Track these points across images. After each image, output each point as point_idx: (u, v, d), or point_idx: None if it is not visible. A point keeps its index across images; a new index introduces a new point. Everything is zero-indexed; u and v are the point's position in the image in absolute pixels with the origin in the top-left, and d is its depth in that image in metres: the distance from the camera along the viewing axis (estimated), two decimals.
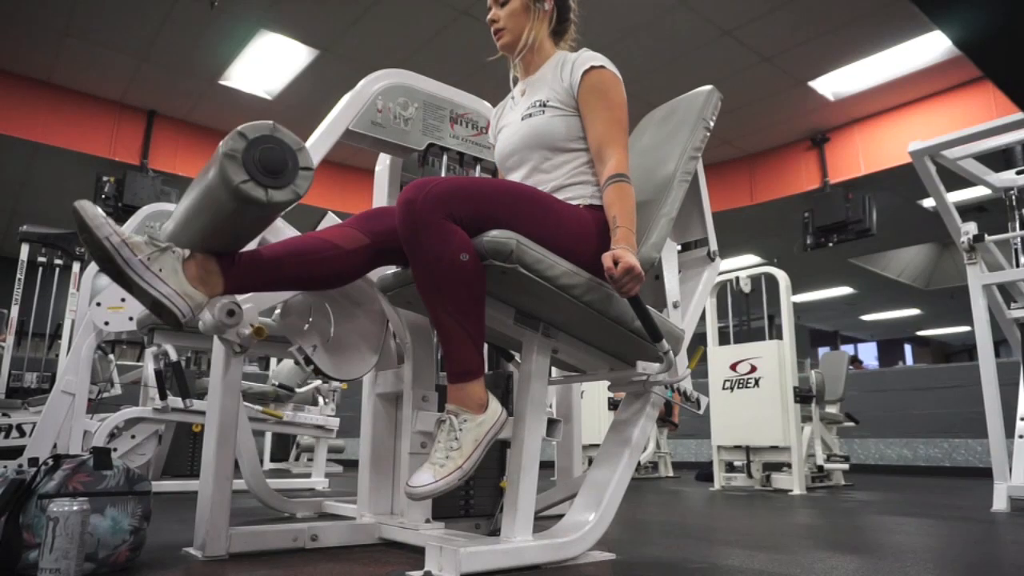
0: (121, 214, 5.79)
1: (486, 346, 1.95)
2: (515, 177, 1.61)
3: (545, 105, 1.54)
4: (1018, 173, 3.17)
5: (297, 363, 1.68)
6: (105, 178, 6.02)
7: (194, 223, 1.26)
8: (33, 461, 1.35)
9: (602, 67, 1.53)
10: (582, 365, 1.65)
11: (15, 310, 4.24)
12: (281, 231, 1.64)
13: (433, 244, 1.26)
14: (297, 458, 5.90)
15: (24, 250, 4.33)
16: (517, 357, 1.77)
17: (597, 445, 1.86)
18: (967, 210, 4.97)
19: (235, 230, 1.28)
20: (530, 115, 1.56)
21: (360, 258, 1.41)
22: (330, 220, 1.81)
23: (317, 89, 6.01)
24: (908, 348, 18.86)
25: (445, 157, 1.97)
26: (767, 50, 5.43)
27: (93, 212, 1.19)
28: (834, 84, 5.96)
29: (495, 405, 1.36)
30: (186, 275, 1.24)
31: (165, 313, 1.23)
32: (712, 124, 1.75)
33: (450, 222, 1.27)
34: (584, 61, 1.53)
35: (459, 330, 1.30)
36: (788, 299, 3.99)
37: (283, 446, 6.12)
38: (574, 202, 1.51)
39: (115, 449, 3.17)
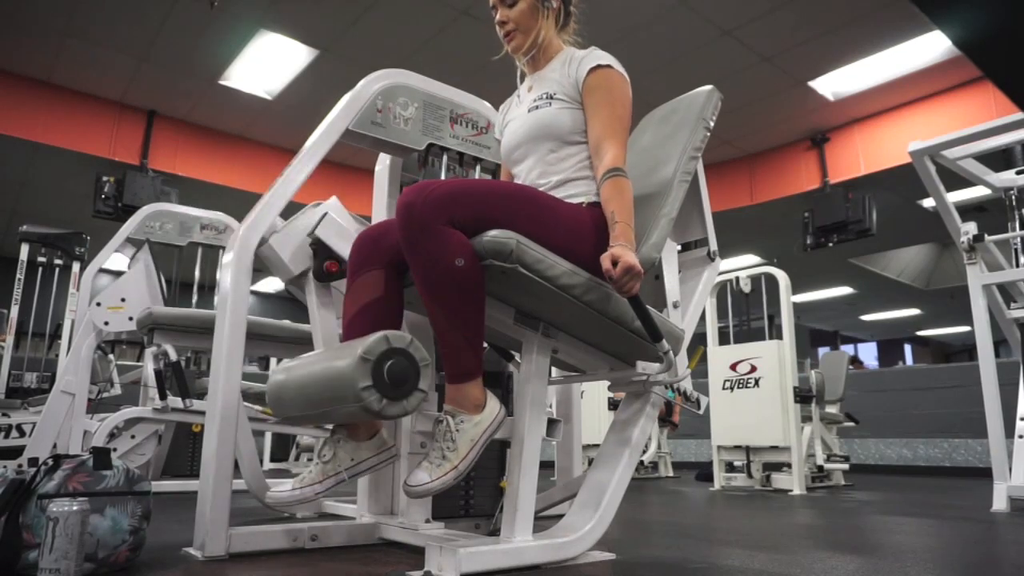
0: (121, 214, 5.79)
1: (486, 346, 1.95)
2: (521, 169, 1.62)
3: (552, 98, 1.55)
4: (1018, 173, 3.17)
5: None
6: (105, 178, 6.02)
7: (311, 408, 1.32)
8: (33, 461, 1.35)
9: (609, 66, 1.54)
10: (582, 365, 1.65)
11: (15, 310, 4.25)
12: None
13: (432, 248, 1.26)
14: (297, 458, 5.89)
15: (24, 250, 4.33)
16: (517, 357, 1.77)
17: (597, 445, 1.86)
18: (967, 210, 4.97)
19: (339, 417, 1.35)
20: (536, 107, 1.56)
21: (392, 287, 1.44)
22: (330, 219, 1.81)
23: (317, 89, 6.01)
24: (908, 348, 18.86)
25: (445, 157, 1.96)
26: (767, 50, 5.43)
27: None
28: (834, 84, 5.96)
29: (492, 404, 1.36)
30: (358, 442, 1.37)
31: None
32: (712, 124, 1.75)
33: (449, 226, 1.27)
34: (593, 59, 1.54)
35: (456, 333, 1.30)
36: (788, 299, 3.99)
37: (283, 446, 6.11)
38: (577, 199, 1.51)
39: (115, 449, 3.17)
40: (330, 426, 1.41)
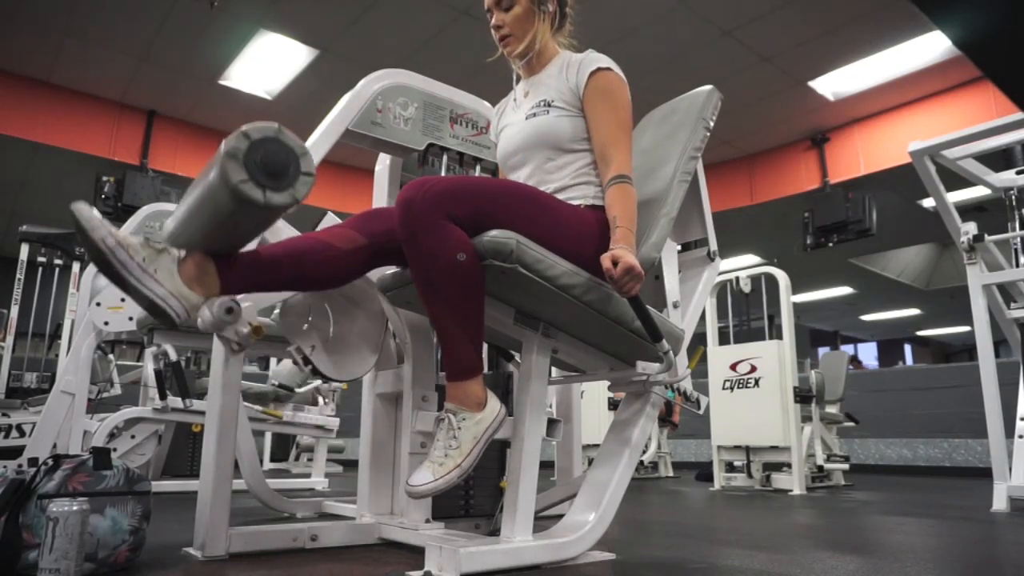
0: (121, 214, 5.79)
1: (486, 346, 1.95)
2: (518, 176, 1.61)
3: (550, 105, 1.54)
4: (1018, 173, 3.17)
5: (295, 363, 1.67)
6: (105, 178, 6.02)
7: (192, 223, 1.26)
8: (33, 461, 1.35)
9: (608, 69, 1.53)
10: (582, 365, 1.65)
11: (15, 310, 4.24)
12: (281, 231, 1.64)
13: (431, 244, 1.26)
14: (297, 458, 5.90)
15: (24, 250, 4.33)
16: (517, 357, 1.77)
17: (597, 445, 1.86)
18: (967, 210, 4.97)
19: (233, 231, 1.28)
20: (534, 115, 1.55)
21: (358, 258, 1.41)
22: (330, 220, 1.81)
23: (317, 89, 6.01)
24: (908, 348, 18.86)
25: (445, 157, 1.97)
26: (767, 50, 5.43)
27: (89, 214, 1.19)
28: (834, 84, 5.96)
29: (494, 403, 1.36)
30: (182, 276, 1.24)
31: (160, 314, 1.22)
32: (712, 124, 1.75)
33: (449, 222, 1.27)
34: (591, 63, 1.53)
35: (457, 330, 1.30)
36: (788, 299, 3.99)
37: (283, 446, 6.12)
38: (576, 202, 1.51)
39: (115, 449, 3.17)
40: (239, 247, 1.34)
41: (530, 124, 1.56)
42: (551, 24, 1.62)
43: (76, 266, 4.36)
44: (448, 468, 1.27)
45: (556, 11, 1.62)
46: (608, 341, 1.55)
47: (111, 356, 4.12)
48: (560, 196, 1.52)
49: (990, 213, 5.71)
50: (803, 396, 3.89)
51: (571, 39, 1.68)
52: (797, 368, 3.97)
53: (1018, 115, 2.63)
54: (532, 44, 1.59)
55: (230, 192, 1.13)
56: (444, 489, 1.27)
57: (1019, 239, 2.99)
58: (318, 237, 1.40)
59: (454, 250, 1.26)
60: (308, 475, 4.38)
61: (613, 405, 4.85)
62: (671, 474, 5.33)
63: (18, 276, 4.29)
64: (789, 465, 3.78)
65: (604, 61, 1.54)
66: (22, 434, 3.58)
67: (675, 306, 1.72)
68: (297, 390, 4.21)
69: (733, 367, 4.07)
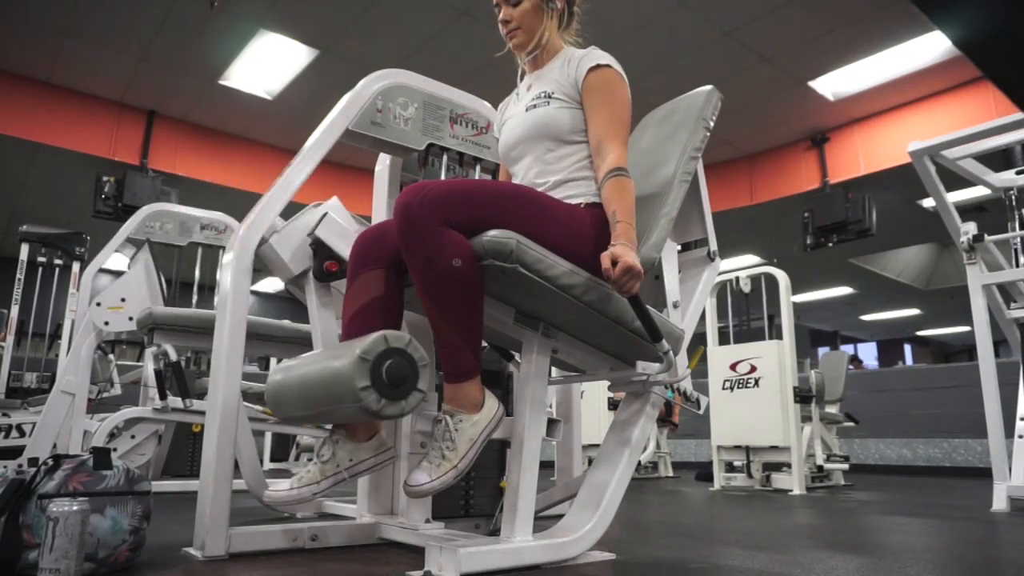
0: (121, 214, 5.79)
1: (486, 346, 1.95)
2: (519, 168, 1.61)
3: (550, 97, 1.55)
4: (1018, 173, 3.17)
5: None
6: (105, 178, 6.02)
7: (305, 406, 1.33)
8: (33, 461, 1.35)
9: (608, 66, 1.54)
10: (582, 365, 1.65)
11: (15, 310, 4.25)
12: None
13: (428, 249, 1.26)
14: (297, 458, 5.89)
15: (24, 250, 4.33)
16: (517, 357, 1.77)
17: (597, 445, 1.86)
18: (967, 210, 4.97)
19: (339, 417, 1.35)
20: (535, 106, 1.56)
21: (393, 288, 1.43)
22: (329, 220, 1.81)
23: (317, 89, 6.01)
24: (908, 348, 18.86)
25: (445, 157, 1.96)
26: (767, 50, 5.43)
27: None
28: (834, 84, 5.96)
29: (491, 404, 1.36)
30: (355, 443, 1.37)
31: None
32: (712, 124, 1.75)
33: (446, 227, 1.27)
34: (592, 58, 1.54)
35: (455, 333, 1.30)
36: (788, 299, 3.99)
37: (283, 446, 6.11)
38: (576, 199, 1.51)
39: (115, 449, 3.17)
40: (329, 426, 1.41)
41: (530, 115, 1.56)
42: (559, 21, 1.63)
43: (76, 266, 4.36)
44: (444, 469, 1.28)
45: (564, 8, 1.63)
46: (608, 341, 1.55)
47: (111, 356, 4.12)
48: (560, 189, 1.53)
49: (990, 213, 5.71)
50: (803, 396, 3.89)
51: (577, 37, 1.68)
52: (797, 368, 3.97)
53: (1018, 115, 2.63)
54: (539, 40, 1.60)
55: (352, 396, 1.19)
56: (440, 490, 1.28)
57: (1019, 239, 2.99)
58: (359, 300, 1.41)
59: (452, 255, 1.26)
60: None
61: (613, 405, 4.85)
62: (671, 474, 5.33)
63: (18, 276, 4.29)
64: (789, 465, 3.78)
65: (605, 58, 1.55)
66: (22, 434, 3.58)
67: (675, 306, 1.72)
68: None
69: (733, 367, 4.07)
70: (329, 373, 1.24)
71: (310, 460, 5.65)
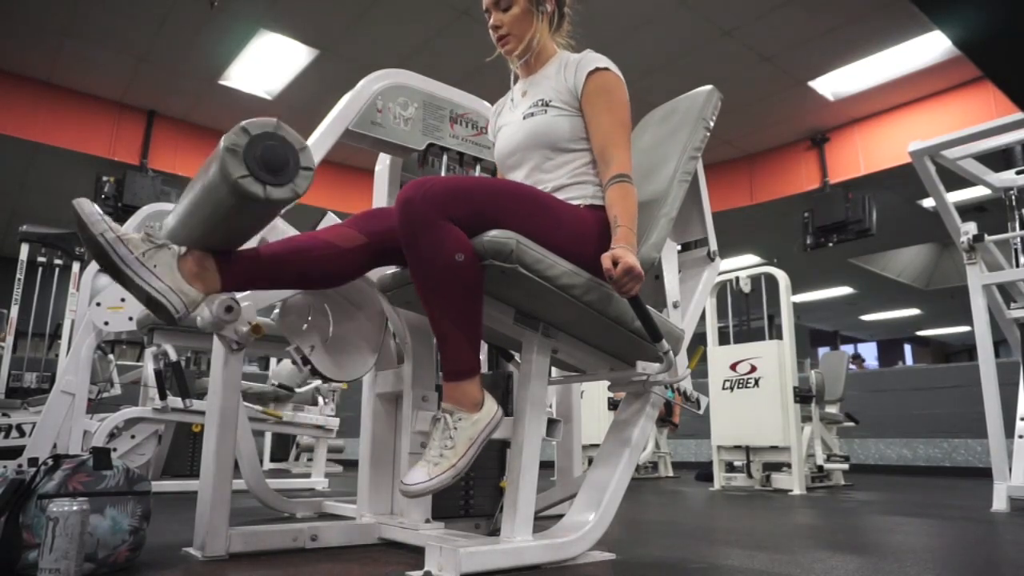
0: (121, 214, 5.79)
1: (486, 346, 1.95)
2: (516, 176, 1.61)
3: (548, 104, 1.54)
4: (1018, 173, 3.17)
5: (295, 363, 1.67)
6: (105, 178, 6.02)
7: (193, 219, 1.26)
8: (33, 461, 1.35)
9: (607, 69, 1.53)
10: (582, 365, 1.65)
11: (15, 310, 4.24)
12: (281, 231, 1.64)
13: (429, 244, 1.26)
14: (297, 458, 5.90)
15: (24, 250, 4.33)
16: (517, 357, 1.77)
17: (597, 445, 1.86)
18: (967, 210, 4.97)
19: (233, 227, 1.28)
20: (532, 114, 1.55)
21: (358, 257, 1.42)
22: (330, 220, 1.81)
23: (317, 89, 6.01)
24: (908, 348, 18.86)
25: (445, 157, 1.96)
26: (767, 50, 5.43)
27: (90, 209, 1.19)
28: (834, 84, 5.96)
29: (490, 404, 1.36)
30: (182, 272, 1.25)
31: (160, 309, 1.23)
32: (712, 124, 1.75)
33: (448, 222, 1.27)
34: (589, 63, 1.53)
35: (455, 330, 1.30)
36: (788, 299, 3.99)
37: (283, 446, 6.12)
38: (574, 202, 1.51)
39: (115, 449, 3.17)
40: (242, 244, 1.34)
41: (528, 124, 1.56)
42: (549, 24, 1.62)
43: (76, 266, 4.36)
44: (443, 468, 1.27)
45: (555, 11, 1.62)
46: (608, 341, 1.55)
47: (111, 356, 4.12)
48: (558, 195, 1.52)
49: (990, 213, 5.71)
50: (803, 396, 3.89)
51: (569, 39, 1.68)
52: (797, 368, 3.97)
53: (1018, 115, 2.63)
54: (530, 44, 1.59)
55: (230, 188, 1.13)
56: (438, 489, 1.27)
57: (1019, 239, 2.99)
58: (319, 236, 1.40)
59: (453, 250, 1.26)
60: (308, 475, 4.38)
61: (613, 405, 4.85)
62: (671, 474, 5.33)
63: (18, 276, 4.29)
64: (789, 465, 3.78)
65: (602, 61, 1.54)
66: (22, 434, 3.57)
67: (675, 306, 1.72)
68: (297, 390, 4.21)
69: (733, 367, 4.07)
70: (209, 181, 1.18)
71: (310, 460, 5.55)
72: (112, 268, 1.21)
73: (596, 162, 1.53)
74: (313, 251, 1.37)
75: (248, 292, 1.50)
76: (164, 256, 1.24)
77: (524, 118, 1.57)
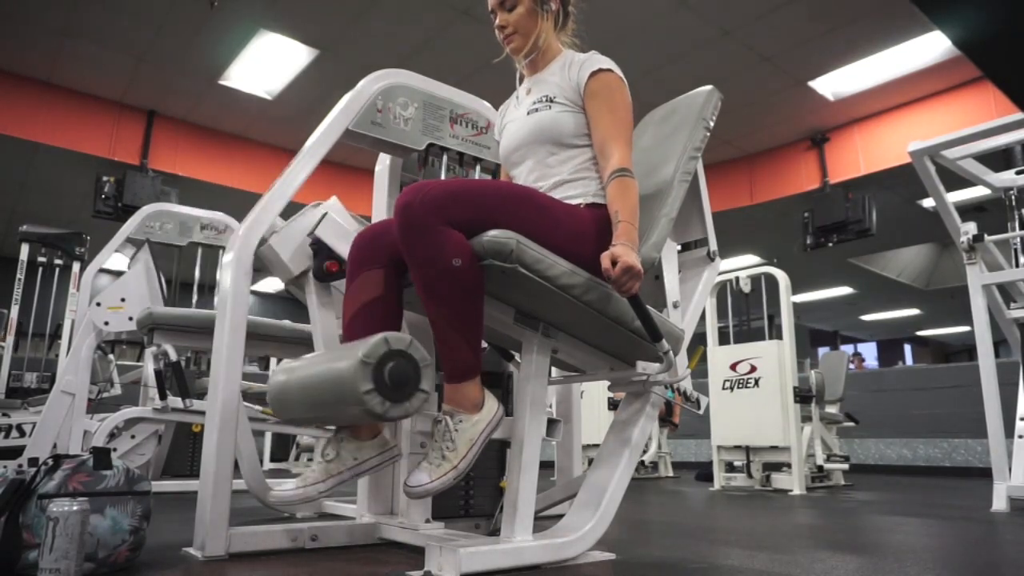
0: (121, 214, 5.79)
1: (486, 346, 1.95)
2: (519, 172, 1.62)
3: (552, 101, 1.55)
4: (1018, 173, 3.17)
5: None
6: (105, 178, 6.03)
7: (312, 409, 1.33)
8: (33, 461, 1.35)
9: (610, 70, 1.54)
10: (582, 365, 1.65)
11: (15, 310, 4.24)
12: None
13: (428, 248, 1.26)
14: (297, 458, 5.89)
15: (24, 250, 4.33)
16: (517, 357, 1.77)
17: (597, 445, 1.86)
18: (967, 210, 4.97)
19: (341, 419, 1.36)
20: (536, 110, 1.57)
21: (391, 288, 1.43)
22: (330, 219, 1.81)
23: (317, 89, 6.01)
24: (908, 348, 18.86)
25: (445, 157, 1.96)
26: (767, 50, 5.43)
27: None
28: (834, 84, 5.96)
29: (491, 404, 1.36)
30: (361, 440, 1.36)
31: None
32: (712, 124, 1.75)
33: (447, 226, 1.27)
34: (593, 63, 1.55)
35: (455, 333, 1.30)
36: (788, 299, 3.99)
37: (283, 446, 6.11)
38: (576, 200, 1.51)
39: (115, 449, 3.17)
40: (332, 426, 1.41)
41: (532, 119, 1.57)
42: (554, 23, 1.64)
43: (76, 266, 4.36)
44: (444, 470, 1.28)
45: (559, 10, 1.64)
46: (608, 341, 1.55)
47: (111, 356, 4.12)
48: (560, 190, 1.53)
49: (990, 213, 5.71)
50: (803, 396, 3.89)
51: (574, 38, 1.69)
52: (797, 368, 3.97)
53: (1018, 115, 2.63)
54: (536, 43, 1.60)
55: (355, 399, 1.19)
56: (440, 490, 1.28)
57: (1019, 239, 2.99)
58: (357, 299, 1.41)
59: (452, 255, 1.26)
60: None
61: (613, 405, 4.85)
62: (671, 474, 5.33)
63: (18, 276, 4.29)
64: (789, 465, 3.78)
65: (606, 62, 1.56)
66: (22, 434, 3.58)
67: (675, 306, 1.72)
68: None
69: (733, 367, 4.07)
70: (332, 376, 1.24)
71: (310, 460, 5.62)
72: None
73: (597, 158, 1.53)
74: (371, 318, 1.39)
75: None
76: (346, 450, 1.35)
77: (528, 114, 1.58)
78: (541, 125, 1.55)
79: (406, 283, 1.45)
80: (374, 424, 1.38)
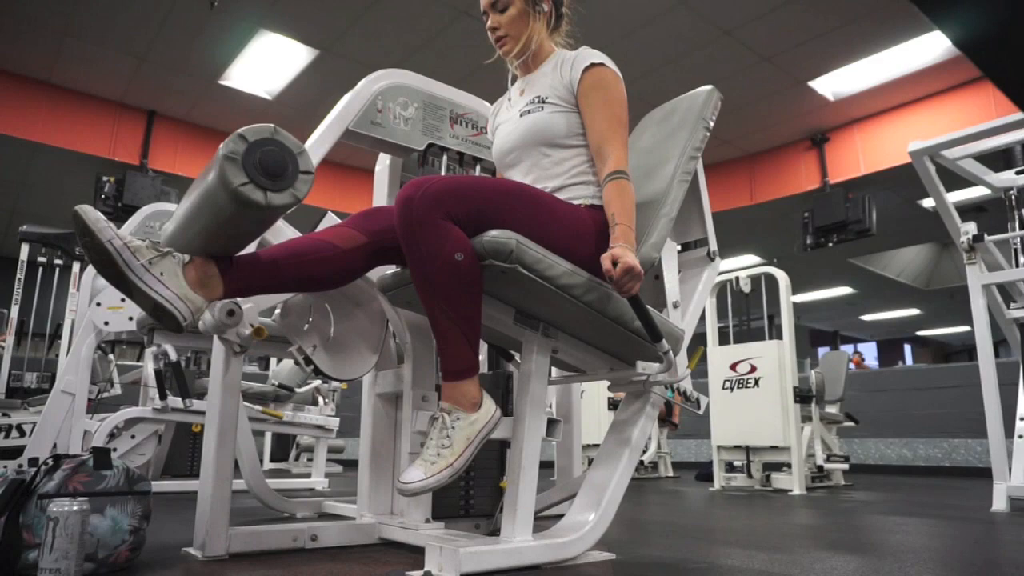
0: (121, 214, 5.79)
1: (486, 346, 1.95)
2: (514, 174, 1.61)
3: (544, 101, 1.54)
4: (1018, 173, 3.17)
5: (297, 363, 1.68)
6: (105, 178, 6.02)
7: (193, 226, 1.26)
8: (33, 461, 1.35)
9: (602, 64, 1.53)
10: (582, 365, 1.65)
11: (15, 310, 4.24)
12: (282, 232, 1.64)
13: (429, 242, 1.26)
14: (297, 458, 5.90)
15: (24, 250, 4.33)
16: (517, 357, 1.77)
17: (597, 445, 1.86)
18: (967, 210, 4.96)
19: (234, 233, 1.28)
20: (528, 111, 1.55)
21: (358, 257, 1.42)
22: (330, 220, 1.81)
23: (317, 89, 6.01)
24: (908, 348, 18.86)
25: (445, 157, 1.96)
26: (767, 50, 5.43)
27: (95, 216, 1.19)
28: (834, 84, 5.96)
29: (489, 404, 1.36)
30: (186, 279, 1.25)
31: (166, 317, 1.23)
32: (712, 124, 1.75)
33: (447, 221, 1.27)
34: (584, 59, 1.53)
35: (454, 329, 1.30)
36: (788, 299, 3.99)
37: (283, 446, 6.12)
38: (575, 202, 1.51)
39: (115, 449, 3.17)
40: (245, 247, 1.36)
41: (525, 121, 1.56)
42: (547, 24, 1.63)
43: (76, 266, 4.36)
44: (440, 467, 1.27)
45: (552, 11, 1.63)
46: (608, 341, 1.55)
47: (111, 356, 4.11)
48: (560, 194, 1.52)
49: (990, 213, 5.70)
50: (803, 396, 3.89)
51: (568, 39, 1.68)
52: (797, 368, 3.97)
53: (1018, 115, 2.63)
54: (528, 44, 1.59)
55: (231, 195, 1.14)
56: (434, 488, 1.27)
57: (1019, 239, 2.99)
58: (318, 237, 1.40)
59: (452, 249, 1.26)
60: (308, 475, 4.39)
61: (613, 405, 4.85)
62: (671, 474, 5.33)
63: (18, 276, 4.29)
64: (789, 465, 3.78)
65: (598, 57, 1.54)
66: (22, 434, 3.57)
67: (675, 306, 1.72)
68: (297, 390, 4.21)
69: (733, 367, 4.07)
70: (209, 188, 1.19)
71: (310, 460, 5.56)
72: (118, 276, 1.21)
73: (594, 159, 1.53)
74: (313, 254, 1.37)
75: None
76: (169, 264, 1.24)
77: (521, 115, 1.57)
78: (534, 127, 1.54)
79: (373, 265, 1.45)
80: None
